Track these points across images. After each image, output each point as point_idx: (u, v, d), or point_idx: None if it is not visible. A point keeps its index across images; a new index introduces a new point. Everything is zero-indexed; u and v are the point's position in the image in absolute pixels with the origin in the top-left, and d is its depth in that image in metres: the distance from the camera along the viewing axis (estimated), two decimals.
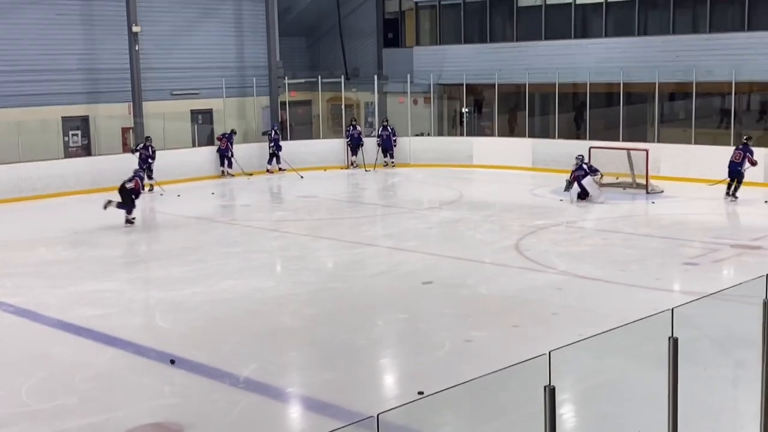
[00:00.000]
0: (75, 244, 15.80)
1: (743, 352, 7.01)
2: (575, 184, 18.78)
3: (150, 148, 21.92)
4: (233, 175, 23.92)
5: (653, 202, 18.65)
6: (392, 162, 25.40)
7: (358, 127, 25.95)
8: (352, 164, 25.57)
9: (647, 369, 6.25)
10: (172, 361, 8.87)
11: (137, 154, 21.82)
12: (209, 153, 24.30)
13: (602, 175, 19.44)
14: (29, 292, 12.10)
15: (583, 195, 18.66)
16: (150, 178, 21.55)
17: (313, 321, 10.63)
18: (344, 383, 8.45)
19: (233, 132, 24.51)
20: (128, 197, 16.96)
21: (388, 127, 25.49)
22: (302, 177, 23.43)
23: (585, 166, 19.06)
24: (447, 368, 8.63)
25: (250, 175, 24.17)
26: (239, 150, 24.66)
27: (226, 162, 23.99)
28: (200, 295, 11.71)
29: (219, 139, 24.27)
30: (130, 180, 17.02)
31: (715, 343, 7.61)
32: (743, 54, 21.27)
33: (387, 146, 25.33)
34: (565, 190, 18.99)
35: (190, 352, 9.15)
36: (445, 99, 28.22)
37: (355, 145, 25.42)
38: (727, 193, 18.20)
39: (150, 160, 21.78)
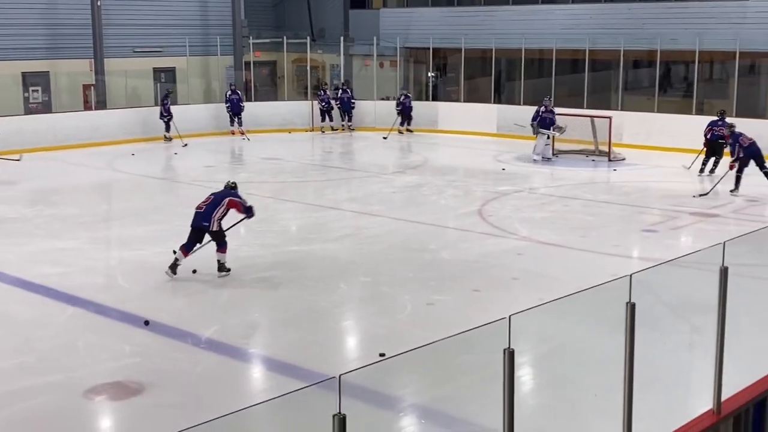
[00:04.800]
0: (34, 202, 15.58)
1: (699, 317, 7.15)
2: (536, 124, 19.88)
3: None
4: (171, 138, 22.76)
5: (615, 170, 18.84)
6: (350, 125, 25.25)
7: (329, 92, 25.65)
8: (331, 128, 25.20)
9: (605, 333, 6.36)
10: (146, 322, 8.80)
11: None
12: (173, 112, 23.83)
13: (558, 131, 19.92)
14: None
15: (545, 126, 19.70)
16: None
17: (276, 283, 10.63)
18: (307, 345, 8.49)
19: (169, 92, 23.51)
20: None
21: (348, 90, 25.32)
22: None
23: (553, 110, 19.95)
24: (409, 331, 8.70)
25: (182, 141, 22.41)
26: (200, 110, 24.38)
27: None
28: (162, 255, 11.58)
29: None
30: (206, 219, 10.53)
31: (672, 309, 7.75)
32: (708, 23, 21.40)
33: (346, 109, 25.17)
34: (535, 133, 19.89)
35: (152, 312, 9.10)
36: (411, 62, 28.07)
37: (327, 108, 25.14)
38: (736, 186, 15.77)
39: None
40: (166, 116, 22.72)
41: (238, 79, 26.22)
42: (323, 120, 25.14)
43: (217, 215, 10.43)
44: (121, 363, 7.99)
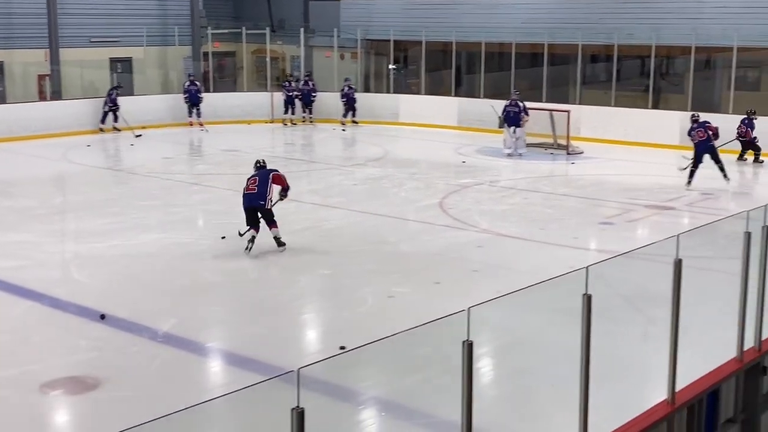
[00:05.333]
0: None
1: (654, 309, 7.25)
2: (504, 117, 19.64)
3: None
4: (119, 130, 22.49)
5: (573, 163, 19.02)
6: (311, 117, 25.10)
7: (293, 83, 25.41)
8: (291, 121, 24.93)
9: (562, 325, 6.41)
10: (102, 316, 8.68)
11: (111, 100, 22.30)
12: (125, 103, 23.48)
13: (527, 117, 19.64)
14: None
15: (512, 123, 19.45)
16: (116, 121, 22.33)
17: (235, 276, 10.56)
18: (266, 338, 8.45)
19: (119, 86, 23.31)
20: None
21: (309, 82, 25.18)
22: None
23: (520, 104, 19.57)
24: (369, 324, 8.71)
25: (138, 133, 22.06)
26: (158, 101, 24.08)
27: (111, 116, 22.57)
28: (119, 248, 11.50)
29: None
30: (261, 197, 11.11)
31: (628, 300, 7.86)
32: (664, 17, 21.66)
33: (306, 101, 25.01)
34: (500, 126, 19.75)
35: (108, 306, 8.99)
36: (372, 54, 28.02)
37: (292, 100, 24.92)
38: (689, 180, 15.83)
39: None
40: (112, 107, 22.42)
41: (197, 69, 25.94)
42: (286, 112, 24.94)
43: (270, 194, 11.04)
44: (77, 357, 7.89)
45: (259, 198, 10.99)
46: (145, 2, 26.20)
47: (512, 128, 19.55)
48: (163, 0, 26.70)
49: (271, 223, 11.13)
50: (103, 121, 22.52)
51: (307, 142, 23.07)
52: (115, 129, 22.50)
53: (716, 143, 15.95)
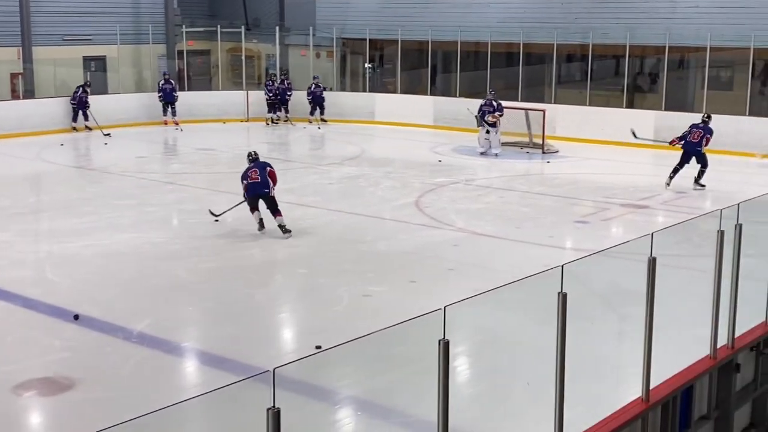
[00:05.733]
0: None
1: (628, 306, 7.30)
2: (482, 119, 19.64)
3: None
4: (90, 129, 22.30)
5: (548, 162, 19.10)
6: (286, 116, 24.99)
7: (276, 83, 25.22)
8: (272, 119, 24.71)
9: (538, 323, 6.45)
10: (76, 317, 8.60)
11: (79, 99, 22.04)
12: (100, 101, 23.30)
13: (501, 114, 19.55)
14: None
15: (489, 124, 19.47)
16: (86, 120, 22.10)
17: (210, 275, 10.51)
18: (241, 338, 8.42)
19: (87, 84, 22.97)
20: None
21: (285, 81, 25.08)
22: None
23: (494, 103, 19.57)
24: (345, 323, 8.69)
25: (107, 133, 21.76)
26: (132, 99, 23.91)
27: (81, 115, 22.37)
28: (93, 248, 11.40)
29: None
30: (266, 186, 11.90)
31: (602, 299, 7.90)
32: (638, 17, 21.82)
33: (282, 100, 24.89)
34: (478, 125, 19.78)
35: (82, 306, 8.91)
36: (348, 53, 27.98)
37: (275, 100, 24.75)
38: (671, 177, 15.68)
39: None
40: (74, 104, 22.21)
41: (171, 68, 25.75)
42: (270, 111, 24.74)
43: (271, 183, 11.81)
44: (51, 358, 7.81)
45: (263, 186, 11.75)
46: (118, 0, 25.98)
47: (487, 127, 19.59)
48: None
49: (276, 211, 11.82)
50: (74, 119, 22.32)
51: (283, 140, 22.98)
52: (87, 128, 22.31)
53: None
